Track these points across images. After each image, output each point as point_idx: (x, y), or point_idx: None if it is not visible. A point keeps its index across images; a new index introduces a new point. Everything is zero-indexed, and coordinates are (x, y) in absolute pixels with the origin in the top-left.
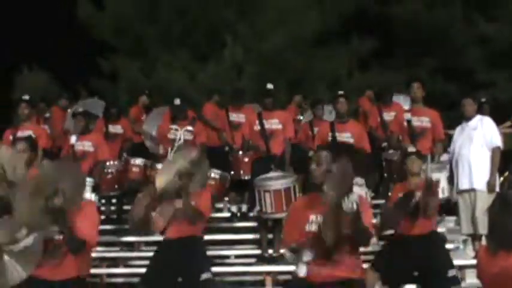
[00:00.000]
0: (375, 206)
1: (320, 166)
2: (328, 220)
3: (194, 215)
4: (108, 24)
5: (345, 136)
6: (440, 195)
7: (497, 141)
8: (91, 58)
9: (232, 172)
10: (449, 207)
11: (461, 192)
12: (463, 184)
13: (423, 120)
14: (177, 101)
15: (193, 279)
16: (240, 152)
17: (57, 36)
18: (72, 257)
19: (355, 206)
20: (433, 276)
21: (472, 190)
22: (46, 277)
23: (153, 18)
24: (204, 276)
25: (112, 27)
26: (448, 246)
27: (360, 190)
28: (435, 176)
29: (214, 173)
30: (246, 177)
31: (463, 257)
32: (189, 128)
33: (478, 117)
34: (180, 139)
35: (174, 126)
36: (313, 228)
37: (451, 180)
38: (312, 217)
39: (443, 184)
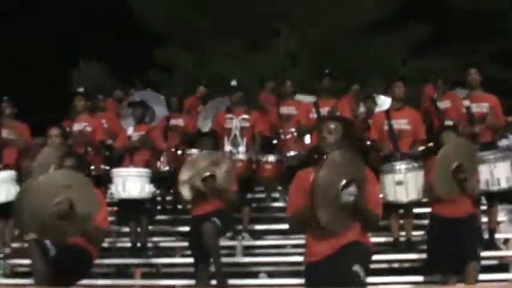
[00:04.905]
0: None
1: (330, 135)
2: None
3: None
4: (162, 16)
5: (402, 123)
6: (505, 185)
7: None
8: (147, 50)
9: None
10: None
11: None
12: None
13: (483, 106)
14: (234, 82)
15: None
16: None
17: (114, 28)
18: None
19: (351, 199)
20: None
21: None
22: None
23: (206, 8)
24: None
25: (166, 19)
26: (507, 236)
27: None
28: (500, 164)
29: (271, 158)
30: None
31: None
32: (245, 116)
33: None
34: (236, 127)
35: (229, 115)
36: None
37: None
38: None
39: (508, 173)
